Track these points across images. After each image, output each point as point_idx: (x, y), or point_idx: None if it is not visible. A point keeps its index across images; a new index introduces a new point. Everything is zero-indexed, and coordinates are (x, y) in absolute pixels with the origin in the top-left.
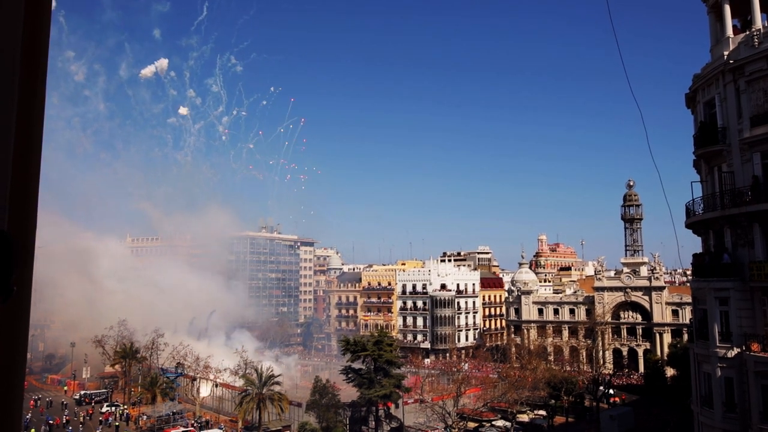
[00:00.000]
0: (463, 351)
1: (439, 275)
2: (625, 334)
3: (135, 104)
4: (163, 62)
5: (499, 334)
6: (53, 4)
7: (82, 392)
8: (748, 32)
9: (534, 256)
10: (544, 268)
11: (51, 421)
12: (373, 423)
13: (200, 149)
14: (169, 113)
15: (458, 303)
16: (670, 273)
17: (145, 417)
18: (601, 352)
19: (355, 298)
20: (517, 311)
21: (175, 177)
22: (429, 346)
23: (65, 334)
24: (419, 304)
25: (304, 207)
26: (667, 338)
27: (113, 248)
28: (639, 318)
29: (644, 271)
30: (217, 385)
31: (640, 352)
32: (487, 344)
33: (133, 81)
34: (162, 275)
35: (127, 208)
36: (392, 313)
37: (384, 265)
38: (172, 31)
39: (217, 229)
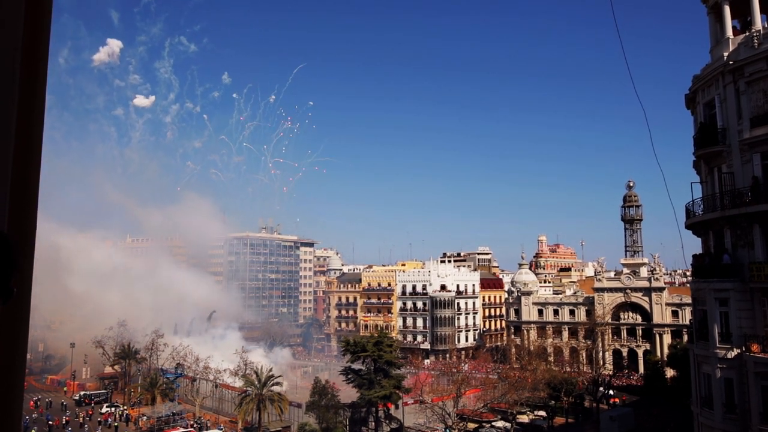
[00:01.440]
0: (463, 352)
1: (438, 276)
2: (625, 334)
3: (103, 91)
4: (115, 45)
5: (499, 335)
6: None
7: (82, 393)
8: (747, 33)
9: (534, 256)
10: (544, 268)
11: (51, 422)
12: (373, 424)
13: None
14: (134, 102)
15: (458, 304)
16: (670, 274)
17: (144, 418)
18: (600, 353)
19: (355, 298)
20: (517, 312)
21: (151, 171)
22: (429, 346)
23: (65, 335)
24: (419, 304)
25: (303, 207)
26: (667, 339)
27: (93, 246)
28: (639, 319)
29: (644, 271)
30: (216, 386)
31: (640, 352)
32: (487, 345)
33: (80, 68)
34: (156, 275)
35: (99, 203)
36: (392, 313)
37: (384, 265)
38: (127, 17)
39: (210, 229)
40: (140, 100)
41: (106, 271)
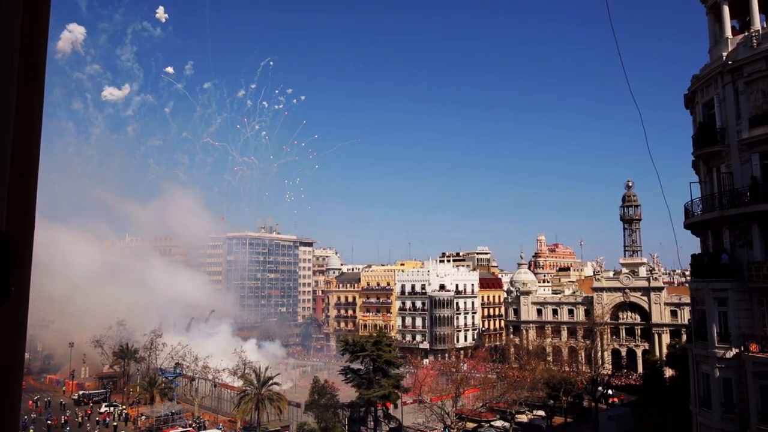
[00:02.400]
0: (462, 351)
1: (438, 276)
2: (624, 334)
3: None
4: (78, 32)
5: (498, 335)
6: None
7: (81, 392)
8: (746, 33)
9: (533, 256)
10: (543, 268)
11: (49, 422)
12: (372, 423)
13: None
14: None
15: (457, 303)
16: (669, 274)
17: (143, 417)
18: (599, 353)
19: (354, 298)
20: (516, 312)
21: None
22: (428, 346)
23: (63, 335)
24: (418, 304)
25: (302, 208)
26: (666, 339)
27: (75, 242)
28: (638, 318)
29: (643, 271)
30: (215, 386)
31: (639, 352)
32: (486, 345)
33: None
34: (152, 275)
35: (72, 196)
36: (391, 313)
37: (383, 265)
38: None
39: (200, 227)
40: (111, 92)
41: (100, 269)
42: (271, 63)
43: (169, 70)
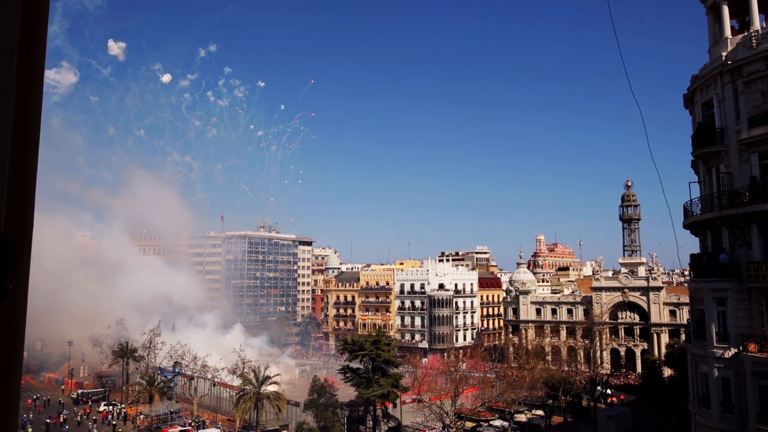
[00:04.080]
0: (461, 351)
1: (437, 275)
2: (623, 334)
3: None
4: None
5: (497, 334)
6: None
7: (80, 391)
8: (746, 33)
9: (532, 256)
10: (542, 268)
11: (48, 420)
12: (371, 422)
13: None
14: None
15: (456, 303)
16: (668, 273)
17: (142, 416)
18: (598, 352)
19: (353, 297)
20: (515, 311)
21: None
22: (427, 345)
23: (62, 334)
24: (417, 303)
25: (302, 206)
26: (665, 338)
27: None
28: (637, 318)
29: (642, 271)
30: (214, 385)
31: (638, 352)
32: (485, 344)
33: None
34: (149, 273)
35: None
36: (390, 312)
37: (382, 264)
38: None
39: (185, 223)
40: (55, 78)
41: (81, 266)
42: (214, 51)
43: (117, 49)
